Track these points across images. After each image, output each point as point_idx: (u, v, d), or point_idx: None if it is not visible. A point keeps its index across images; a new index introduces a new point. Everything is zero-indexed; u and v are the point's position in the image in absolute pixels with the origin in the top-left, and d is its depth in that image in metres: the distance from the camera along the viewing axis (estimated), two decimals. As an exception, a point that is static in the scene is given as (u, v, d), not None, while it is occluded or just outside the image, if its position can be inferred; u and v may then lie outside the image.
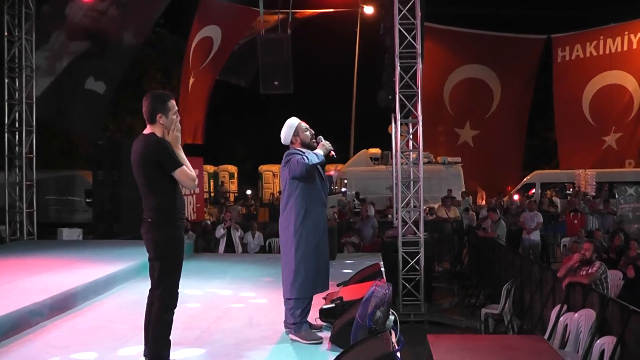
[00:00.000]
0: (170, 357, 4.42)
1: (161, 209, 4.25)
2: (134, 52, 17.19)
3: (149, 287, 4.41)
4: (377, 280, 5.50)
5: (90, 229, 14.71)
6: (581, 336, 7.26)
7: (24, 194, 12.99)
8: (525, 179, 24.75)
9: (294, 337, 5.28)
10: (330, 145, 5.43)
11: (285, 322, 5.38)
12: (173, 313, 4.33)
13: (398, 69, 11.43)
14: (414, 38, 11.38)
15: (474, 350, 4.73)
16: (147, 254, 4.37)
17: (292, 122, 5.39)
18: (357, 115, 29.75)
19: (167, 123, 4.36)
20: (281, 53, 11.72)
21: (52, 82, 13.87)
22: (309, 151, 5.29)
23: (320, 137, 5.45)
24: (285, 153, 5.34)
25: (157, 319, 4.25)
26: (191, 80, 18.75)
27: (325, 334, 5.33)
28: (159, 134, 4.34)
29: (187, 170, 4.26)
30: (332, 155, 5.47)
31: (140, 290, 7.24)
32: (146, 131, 4.40)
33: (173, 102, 4.41)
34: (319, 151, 5.31)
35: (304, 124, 5.43)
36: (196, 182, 4.33)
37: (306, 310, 5.31)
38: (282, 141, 5.41)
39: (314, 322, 5.50)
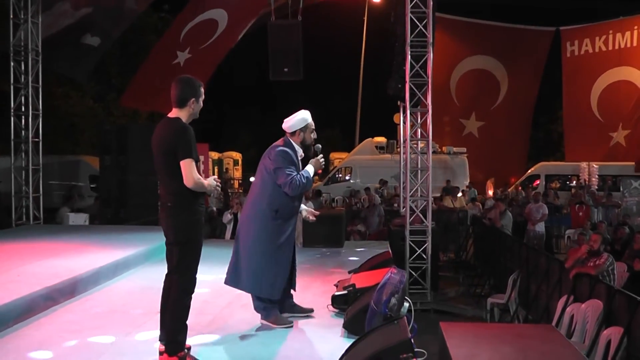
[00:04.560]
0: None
1: (181, 193, 4.23)
2: (133, 17, 17.18)
3: (159, 271, 4.40)
4: (390, 267, 5.50)
5: (98, 213, 14.67)
6: (588, 326, 7.29)
7: (30, 179, 12.96)
8: (529, 171, 24.78)
9: (264, 322, 5.28)
10: (323, 161, 5.35)
11: (255, 307, 5.35)
12: (191, 298, 4.33)
13: (409, 57, 11.40)
14: (425, 27, 11.33)
15: (486, 338, 4.73)
16: (165, 239, 4.36)
17: (306, 117, 5.28)
18: (363, 103, 29.71)
19: (197, 108, 4.40)
20: (292, 39, 11.67)
21: (50, 34, 13.81)
22: (303, 166, 5.26)
23: (319, 145, 5.38)
24: (278, 147, 5.22)
25: (175, 303, 4.25)
26: (185, 55, 18.58)
27: (338, 321, 5.36)
28: (184, 118, 4.34)
29: (194, 168, 4.21)
30: (319, 172, 5.44)
31: (150, 275, 7.29)
32: (171, 115, 4.37)
33: (202, 88, 4.42)
34: (311, 169, 5.22)
35: (313, 125, 5.34)
36: (194, 186, 4.21)
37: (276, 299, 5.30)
38: (285, 127, 5.28)
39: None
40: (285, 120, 5.30)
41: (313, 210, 5.81)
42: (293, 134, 5.26)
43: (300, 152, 5.27)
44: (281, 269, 5.21)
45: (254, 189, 5.34)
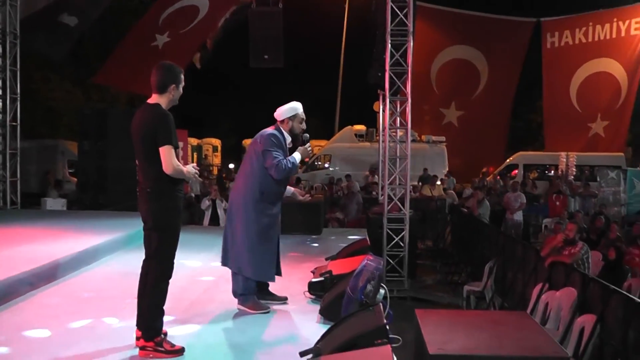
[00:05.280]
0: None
1: (160, 179, 4.23)
2: None
3: (138, 257, 4.41)
4: (367, 254, 5.56)
5: (77, 199, 14.56)
6: (562, 314, 7.39)
7: (7, 163, 12.81)
8: (508, 160, 24.94)
9: (241, 308, 5.36)
10: (310, 150, 5.54)
11: (233, 291, 5.44)
12: (168, 283, 4.35)
13: (389, 46, 11.43)
14: (405, 16, 11.38)
15: (461, 325, 4.77)
16: (143, 224, 4.36)
17: (296, 107, 5.46)
18: (343, 91, 29.68)
19: (177, 95, 4.41)
20: (272, 27, 11.65)
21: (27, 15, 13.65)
22: (291, 150, 5.40)
23: (307, 135, 5.53)
24: (268, 131, 5.36)
25: (153, 288, 4.26)
26: (164, 38, 18.49)
27: (314, 307, 5.41)
28: (164, 104, 4.34)
29: (174, 154, 4.22)
30: (306, 160, 5.57)
31: (128, 261, 7.27)
32: (151, 101, 4.37)
33: (183, 75, 4.45)
34: (297, 156, 5.37)
35: (303, 116, 5.50)
36: (173, 172, 4.22)
37: (255, 286, 5.40)
38: (276, 114, 5.45)
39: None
40: (277, 108, 5.47)
41: (301, 191, 6.04)
42: (282, 121, 5.43)
43: (289, 139, 5.42)
44: (268, 251, 5.37)
45: (242, 171, 5.47)
